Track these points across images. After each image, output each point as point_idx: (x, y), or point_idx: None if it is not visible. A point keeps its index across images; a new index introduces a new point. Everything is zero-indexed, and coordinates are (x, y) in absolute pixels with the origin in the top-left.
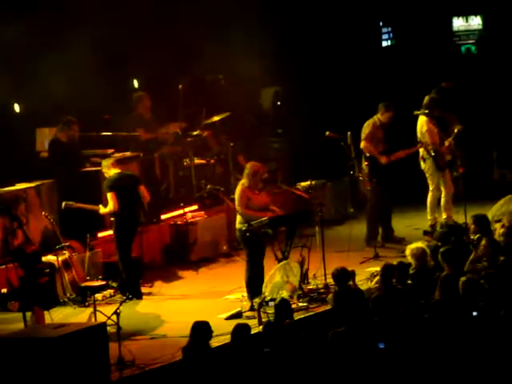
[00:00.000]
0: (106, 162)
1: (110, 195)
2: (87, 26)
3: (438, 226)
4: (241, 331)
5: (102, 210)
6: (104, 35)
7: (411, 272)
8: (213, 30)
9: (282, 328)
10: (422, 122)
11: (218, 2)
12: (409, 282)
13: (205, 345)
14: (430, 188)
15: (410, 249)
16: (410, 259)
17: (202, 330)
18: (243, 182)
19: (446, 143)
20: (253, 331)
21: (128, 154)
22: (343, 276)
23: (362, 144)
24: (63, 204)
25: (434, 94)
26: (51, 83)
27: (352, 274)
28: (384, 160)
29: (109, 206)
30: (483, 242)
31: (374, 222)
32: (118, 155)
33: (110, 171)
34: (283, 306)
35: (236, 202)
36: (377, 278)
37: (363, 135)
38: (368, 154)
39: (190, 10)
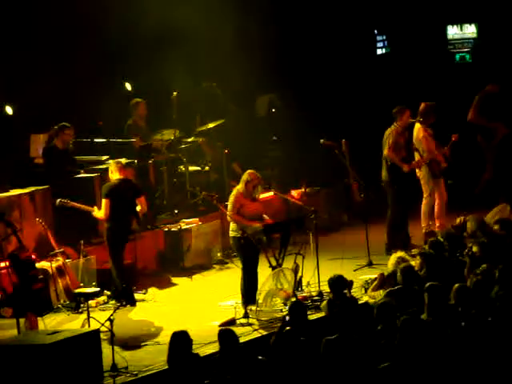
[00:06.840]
0: (113, 164)
1: (104, 202)
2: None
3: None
4: (226, 337)
5: (96, 212)
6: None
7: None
8: (207, 38)
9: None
10: (418, 129)
11: (213, 10)
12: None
13: (187, 354)
14: (425, 195)
15: (391, 258)
16: (391, 268)
17: (180, 339)
18: (239, 187)
19: (443, 151)
20: (246, 338)
21: (123, 160)
22: (339, 284)
23: (387, 152)
24: (57, 201)
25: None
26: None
27: (349, 284)
28: (406, 168)
29: (100, 211)
30: (475, 249)
31: (395, 231)
32: (122, 160)
33: (113, 175)
34: (298, 309)
35: (228, 207)
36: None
37: (387, 144)
38: (389, 163)
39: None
